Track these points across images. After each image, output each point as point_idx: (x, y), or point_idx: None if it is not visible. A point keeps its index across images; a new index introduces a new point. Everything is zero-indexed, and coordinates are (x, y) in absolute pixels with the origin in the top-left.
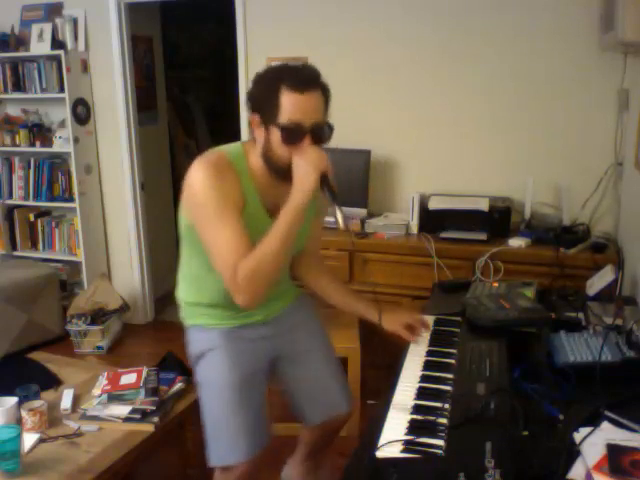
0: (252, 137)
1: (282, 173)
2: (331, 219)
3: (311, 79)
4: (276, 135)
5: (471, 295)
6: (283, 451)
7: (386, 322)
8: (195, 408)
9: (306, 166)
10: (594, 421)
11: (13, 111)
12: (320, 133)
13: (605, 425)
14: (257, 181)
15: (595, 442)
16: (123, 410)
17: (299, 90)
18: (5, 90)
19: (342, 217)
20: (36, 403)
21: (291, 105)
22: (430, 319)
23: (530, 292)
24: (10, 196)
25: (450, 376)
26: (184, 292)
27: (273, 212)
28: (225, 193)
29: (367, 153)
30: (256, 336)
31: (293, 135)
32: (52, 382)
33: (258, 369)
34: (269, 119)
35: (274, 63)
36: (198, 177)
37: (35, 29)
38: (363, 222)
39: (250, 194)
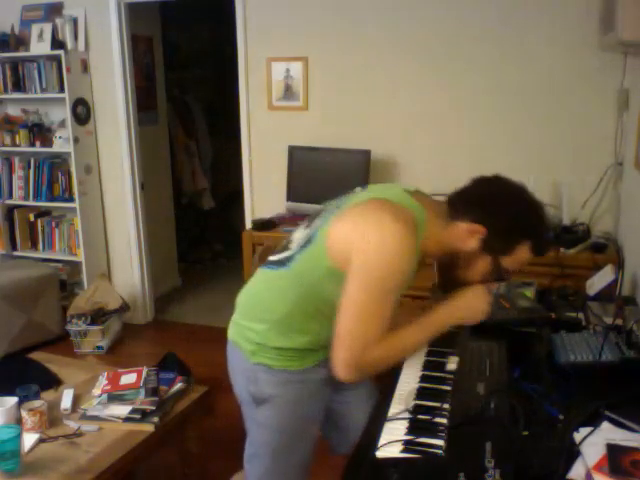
0: (441, 214)
1: (446, 276)
2: None
3: (548, 250)
4: (486, 264)
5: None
6: None
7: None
8: (195, 408)
9: (478, 306)
10: (594, 421)
11: (13, 111)
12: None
13: (605, 425)
14: (421, 250)
15: (595, 442)
16: (123, 410)
17: (535, 255)
18: (5, 90)
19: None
20: (36, 403)
21: (519, 260)
22: None
23: (530, 292)
24: (10, 196)
25: (450, 376)
26: (273, 337)
27: None
28: (406, 267)
29: (367, 153)
30: (321, 376)
31: (497, 278)
32: (52, 382)
33: (319, 408)
34: (494, 249)
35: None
36: (394, 237)
37: (35, 29)
38: None
39: (414, 261)
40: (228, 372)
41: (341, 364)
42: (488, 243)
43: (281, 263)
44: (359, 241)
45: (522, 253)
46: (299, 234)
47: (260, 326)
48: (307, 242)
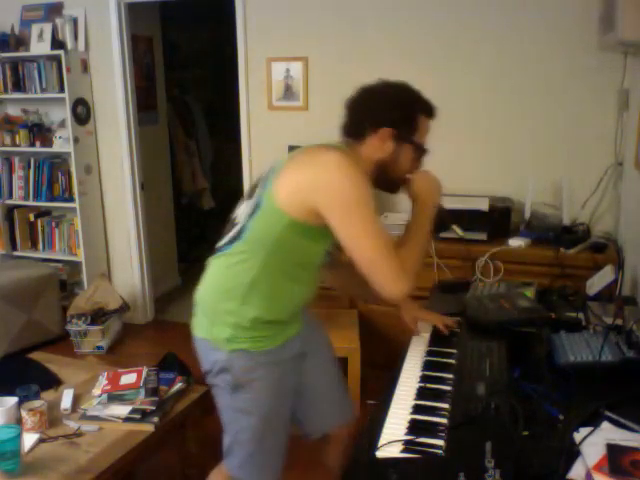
0: (347, 140)
1: (390, 184)
2: None
3: (436, 110)
4: (409, 152)
5: (471, 295)
6: None
7: (405, 311)
8: (195, 408)
9: (431, 186)
10: (594, 421)
11: (13, 111)
12: (425, 158)
13: (605, 425)
14: None
15: (595, 442)
16: (123, 410)
17: (431, 118)
18: (5, 90)
19: (460, 230)
20: (36, 403)
21: (425, 130)
22: None
23: (530, 292)
24: (10, 196)
25: (450, 376)
26: (243, 306)
27: None
28: (368, 190)
29: None
30: (294, 353)
31: (422, 156)
32: (52, 382)
33: (292, 388)
34: (405, 137)
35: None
36: (346, 170)
37: (35, 29)
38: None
39: None
40: (201, 366)
41: (390, 280)
42: (396, 136)
43: (233, 239)
44: (319, 186)
45: (423, 124)
46: (242, 209)
47: (232, 304)
48: (255, 209)
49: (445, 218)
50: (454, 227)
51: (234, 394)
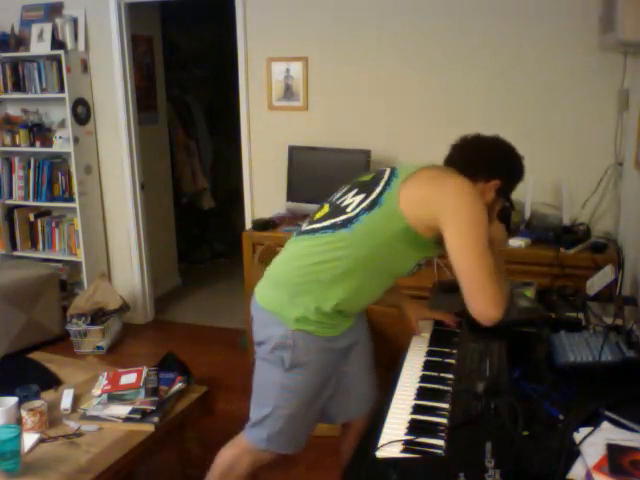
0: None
1: None
2: None
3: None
4: (499, 205)
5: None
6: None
7: (407, 311)
8: (195, 408)
9: (504, 236)
10: (594, 421)
11: (13, 111)
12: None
13: (605, 425)
14: None
15: (595, 442)
16: (123, 410)
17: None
18: (5, 90)
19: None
20: (36, 403)
21: (514, 192)
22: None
23: (530, 292)
24: (10, 196)
25: (450, 376)
26: (321, 293)
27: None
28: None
29: (367, 153)
30: (345, 344)
31: (507, 213)
32: (52, 382)
33: (334, 376)
34: (505, 192)
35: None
36: (473, 193)
37: (35, 29)
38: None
39: None
40: (254, 335)
41: (493, 304)
42: (501, 189)
43: (337, 226)
44: (447, 203)
45: (517, 186)
46: (354, 199)
47: (318, 288)
48: (373, 206)
49: None
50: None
51: (287, 371)
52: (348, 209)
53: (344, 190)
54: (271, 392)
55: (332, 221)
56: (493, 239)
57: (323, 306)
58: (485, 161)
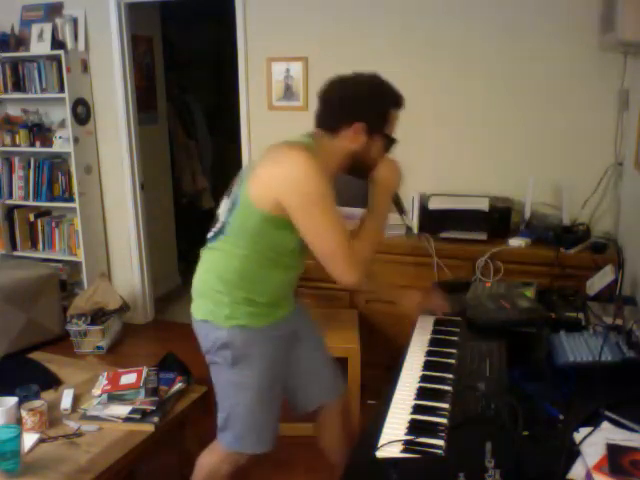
0: (321, 131)
1: (361, 172)
2: None
3: (404, 101)
4: (379, 142)
5: (471, 295)
6: (284, 452)
7: (401, 305)
8: (195, 408)
9: (392, 172)
10: (594, 421)
11: (13, 111)
12: (394, 147)
13: (605, 425)
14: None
15: (595, 442)
16: (123, 410)
17: (399, 110)
18: (5, 90)
19: (407, 220)
20: (36, 403)
21: (394, 122)
22: (430, 319)
23: (530, 292)
24: (10, 196)
25: (450, 376)
26: (237, 282)
27: None
28: (326, 183)
29: None
30: (285, 332)
31: (391, 145)
32: (52, 382)
33: (284, 365)
34: (376, 129)
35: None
36: (304, 167)
37: (35, 29)
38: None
39: None
40: (202, 348)
41: (345, 271)
42: (369, 129)
43: (217, 234)
44: (279, 184)
45: (392, 117)
46: (223, 207)
47: (225, 288)
48: (233, 206)
49: (399, 204)
50: (404, 217)
51: (233, 368)
52: (221, 217)
53: (224, 197)
54: (225, 393)
55: (213, 231)
56: (381, 179)
57: (242, 301)
58: (340, 108)
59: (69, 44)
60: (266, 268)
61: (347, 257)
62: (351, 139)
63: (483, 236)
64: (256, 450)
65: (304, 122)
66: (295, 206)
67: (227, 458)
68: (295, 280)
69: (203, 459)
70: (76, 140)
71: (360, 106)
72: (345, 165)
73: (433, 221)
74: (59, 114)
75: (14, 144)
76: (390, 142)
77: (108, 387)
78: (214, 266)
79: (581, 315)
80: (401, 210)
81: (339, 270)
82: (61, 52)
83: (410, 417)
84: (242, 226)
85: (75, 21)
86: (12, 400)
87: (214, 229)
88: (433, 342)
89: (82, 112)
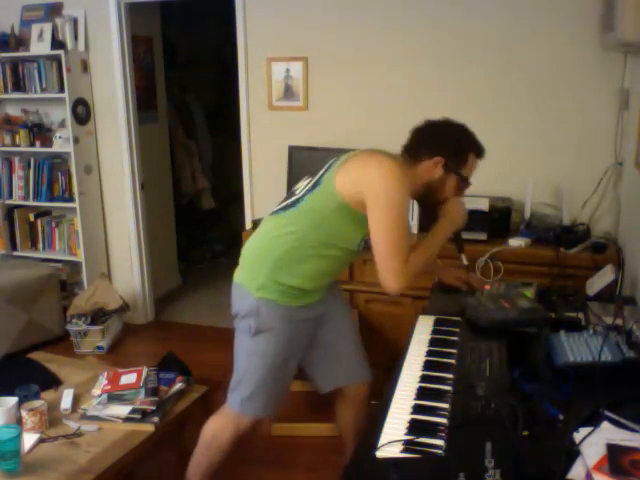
0: (405, 158)
1: (431, 203)
2: None
3: (485, 153)
4: (453, 181)
5: (471, 295)
6: (284, 452)
7: (443, 276)
8: (195, 408)
9: (460, 212)
10: (594, 421)
11: (13, 111)
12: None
13: (605, 425)
14: None
15: (595, 442)
16: (123, 410)
17: (480, 158)
18: (5, 90)
19: (466, 260)
20: (36, 403)
21: (472, 167)
22: (430, 319)
23: (530, 292)
24: (10, 196)
25: (450, 376)
26: (286, 257)
27: None
28: (407, 197)
29: None
30: (311, 316)
31: (465, 187)
32: (52, 382)
33: (303, 346)
34: (453, 168)
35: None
36: (394, 173)
37: (35, 29)
38: None
39: None
40: (231, 309)
41: (391, 277)
42: (447, 166)
43: (288, 206)
44: (368, 181)
45: (472, 162)
46: (303, 184)
47: (268, 261)
48: (314, 186)
49: (459, 242)
50: (462, 255)
51: (253, 337)
52: (297, 192)
53: (305, 178)
54: (242, 359)
55: (285, 203)
56: (448, 212)
57: (278, 277)
58: (427, 141)
59: (69, 44)
60: (312, 254)
61: (401, 262)
62: (429, 170)
63: (483, 236)
64: (258, 414)
65: (304, 122)
66: (375, 202)
67: (231, 422)
68: (334, 275)
69: (209, 423)
70: (76, 140)
71: (444, 143)
72: (418, 194)
73: (433, 221)
74: (59, 114)
75: (14, 144)
76: (465, 184)
77: (108, 387)
78: (267, 236)
79: (581, 315)
80: (460, 249)
81: (389, 273)
82: (61, 52)
83: (410, 417)
84: (315, 207)
85: (75, 21)
86: (12, 400)
87: (286, 202)
88: (433, 342)
89: (82, 112)
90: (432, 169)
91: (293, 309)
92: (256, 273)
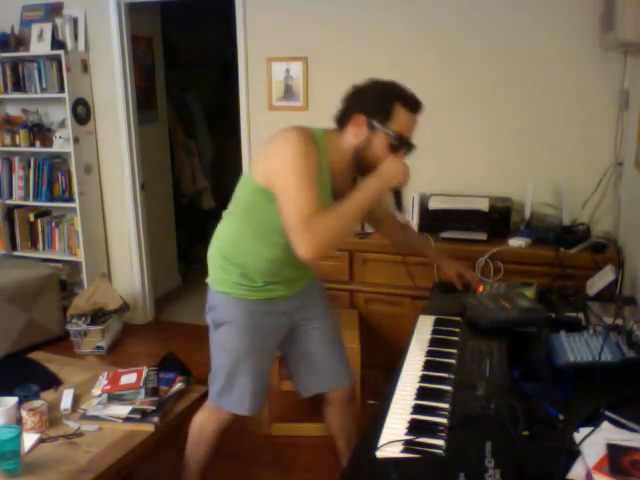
0: (336, 128)
1: (364, 168)
2: None
3: (420, 105)
4: (382, 139)
5: (471, 295)
6: (283, 452)
7: (445, 267)
8: (195, 408)
9: (395, 171)
10: (594, 421)
11: (13, 111)
12: (411, 150)
13: (605, 425)
14: (331, 166)
15: (595, 442)
16: (123, 410)
17: (412, 111)
18: (5, 90)
19: (401, 212)
20: (36, 403)
21: (403, 120)
22: (430, 319)
23: (530, 292)
24: (10, 196)
25: (450, 376)
26: (229, 251)
27: (335, 196)
28: (311, 161)
29: None
30: (276, 311)
31: (397, 145)
32: (52, 382)
33: (271, 341)
34: (378, 124)
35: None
36: (291, 139)
37: (35, 29)
38: (363, 223)
39: (323, 173)
40: None
41: (298, 244)
42: (370, 123)
43: (230, 205)
44: (271, 154)
45: (401, 114)
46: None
47: (220, 255)
48: (242, 180)
49: (398, 199)
50: (399, 213)
51: (216, 330)
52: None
53: None
54: (213, 352)
55: (231, 202)
56: (380, 170)
57: (232, 271)
58: (347, 102)
59: (69, 44)
60: (256, 244)
61: (300, 229)
62: (353, 133)
63: (483, 236)
64: (235, 410)
65: (304, 122)
66: (275, 175)
67: (212, 414)
68: (294, 263)
69: (195, 418)
70: (76, 140)
71: (364, 99)
72: (351, 160)
73: (433, 221)
74: (59, 114)
75: (14, 144)
76: (399, 142)
77: (108, 387)
78: (217, 234)
79: (581, 315)
80: (399, 205)
81: (294, 242)
82: (61, 52)
83: (410, 417)
84: (242, 197)
85: (75, 21)
86: (12, 400)
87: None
88: (433, 342)
89: (82, 112)
90: (356, 130)
91: (251, 302)
92: (212, 268)
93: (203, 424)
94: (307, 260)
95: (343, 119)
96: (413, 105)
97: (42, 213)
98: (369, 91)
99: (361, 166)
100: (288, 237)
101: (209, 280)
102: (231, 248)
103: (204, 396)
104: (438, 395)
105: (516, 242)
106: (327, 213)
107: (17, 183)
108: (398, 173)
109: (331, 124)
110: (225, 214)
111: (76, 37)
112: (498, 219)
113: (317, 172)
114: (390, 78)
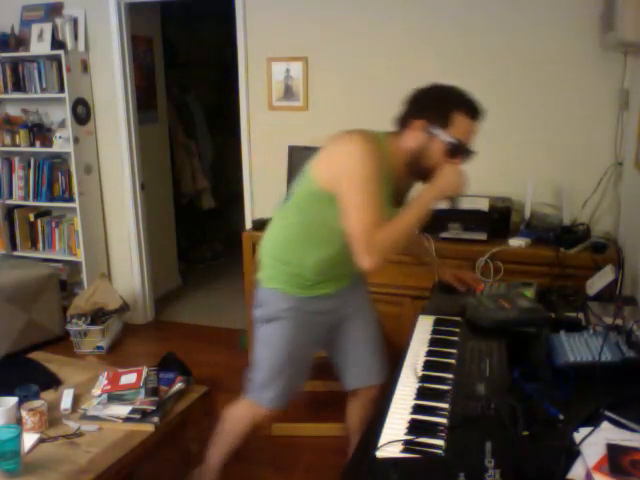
0: (395, 131)
1: (421, 175)
2: None
3: (481, 112)
4: (440, 144)
5: (471, 295)
6: (284, 452)
7: (442, 273)
8: (195, 408)
9: (452, 181)
10: (594, 421)
11: (13, 111)
12: (469, 157)
13: (605, 425)
14: (392, 169)
15: (595, 442)
16: (123, 410)
17: (472, 118)
18: (5, 90)
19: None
20: (36, 403)
21: (462, 127)
22: (430, 319)
23: (530, 292)
24: (10, 196)
25: (450, 376)
26: (281, 249)
27: (394, 197)
28: (375, 167)
29: None
30: (323, 309)
31: (455, 151)
32: (52, 382)
33: (315, 339)
34: (437, 129)
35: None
36: (358, 146)
37: (35, 29)
38: None
39: (385, 177)
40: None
41: (361, 254)
42: (429, 128)
43: (287, 198)
44: (335, 161)
45: (460, 121)
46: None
47: (273, 251)
48: (300, 180)
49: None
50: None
51: (263, 326)
52: (294, 186)
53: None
54: (257, 348)
55: (284, 199)
56: (436, 180)
57: (284, 268)
58: (407, 107)
59: (69, 44)
60: (309, 242)
61: (364, 240)
62: (411, 137)
63: (483, 236)
64: (274, 405)
65: (304, 122)
66: (340, 181)
67: (248, 410)
68: (344, 262)
69: (229, 410)
70: (76, 140)
71: (424, 104)
72: (406, 165)
73: (433, 221)
74: (59, 114)
75: (14, 144)
76: (458, 148)
77: (108, 387)
78: (271, 229)
79: (581, 315)
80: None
81: (357, 252)
82: (61, 52)
83: (410, 417)
84: (301, 197)
85: (75, 21)
86: (12, 400)
87: (285, 198)
88: (433, 342)
89: (82, 112)
90: (413, 135)
91: (301, 299)
92: (265, 265)
93: (239, 417)
94: (366, 270)
95: (403, 122)
96: (473, 112)
97: (42, 213)
98: (429, 96)
99: (417, 170)
100: (346, 240)
101: (260, 277)
102: (287, 245)
103: (204, 396)
104: (438, 395)
105: (516, 242)
106: (388, 226)
107: (17, 183)
108: (455, 183)
109: (331, 124)
110: (277, 211)
111: (76, 37)
112: (498, 219)
113: (380, 177)
114: (443, 82)
